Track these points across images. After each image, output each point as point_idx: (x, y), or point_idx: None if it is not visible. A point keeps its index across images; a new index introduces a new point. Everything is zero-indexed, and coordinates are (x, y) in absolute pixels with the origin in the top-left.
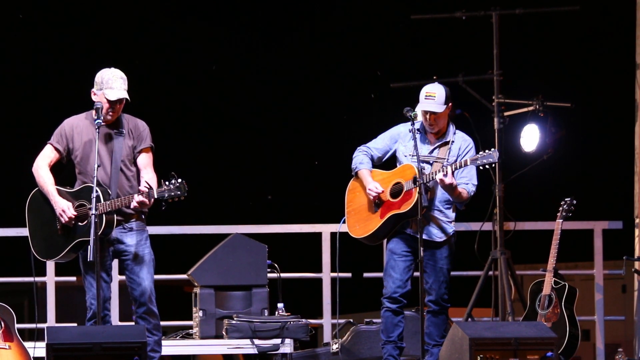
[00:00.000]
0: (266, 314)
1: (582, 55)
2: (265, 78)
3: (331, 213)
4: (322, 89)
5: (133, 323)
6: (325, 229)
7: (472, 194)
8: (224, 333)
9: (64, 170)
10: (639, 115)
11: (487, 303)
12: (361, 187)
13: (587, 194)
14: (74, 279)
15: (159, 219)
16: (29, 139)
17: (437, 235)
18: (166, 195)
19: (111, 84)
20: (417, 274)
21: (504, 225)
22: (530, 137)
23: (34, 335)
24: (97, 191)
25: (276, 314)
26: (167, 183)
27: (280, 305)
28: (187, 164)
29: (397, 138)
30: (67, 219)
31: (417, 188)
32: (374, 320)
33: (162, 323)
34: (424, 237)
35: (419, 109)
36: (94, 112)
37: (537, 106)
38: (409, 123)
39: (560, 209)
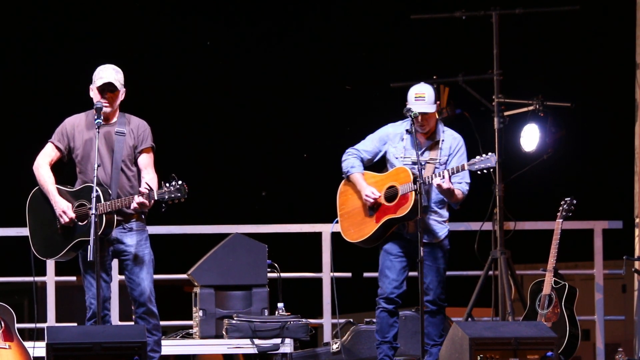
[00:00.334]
0: (266, 314)
1: (582, 55)
2: (265, 78)
3: (331, 213)
4: (322, 89)
5: (133, 323)
6: (325, 229)
7: (466, 193)
8: (224, 333)
9: (64, 169)
10: (639, 115)
11: (487, 303)
12: (353, 190)
13: (587, 193)
14: (74, 278)
15: (159, 219)
16: (29, 138)
17: (433, 236)
18: (166, 197)
19: (101, 74)
20: (414, 274)
21: (504, 225)
22: (530, 137)
23: (34, 335)
24: (97, 191)
25: (276, 314)
26: (167, 185)
27: (280, 305)
28: (187, 163)
29: (386, 140)
30: (66, 220)
31: (417, 189)
32: (374, 320)
33: (162, 323)
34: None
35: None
36: (94, 111)
37: (537, 106)
38: (398, 124)
39: (560, 208)
